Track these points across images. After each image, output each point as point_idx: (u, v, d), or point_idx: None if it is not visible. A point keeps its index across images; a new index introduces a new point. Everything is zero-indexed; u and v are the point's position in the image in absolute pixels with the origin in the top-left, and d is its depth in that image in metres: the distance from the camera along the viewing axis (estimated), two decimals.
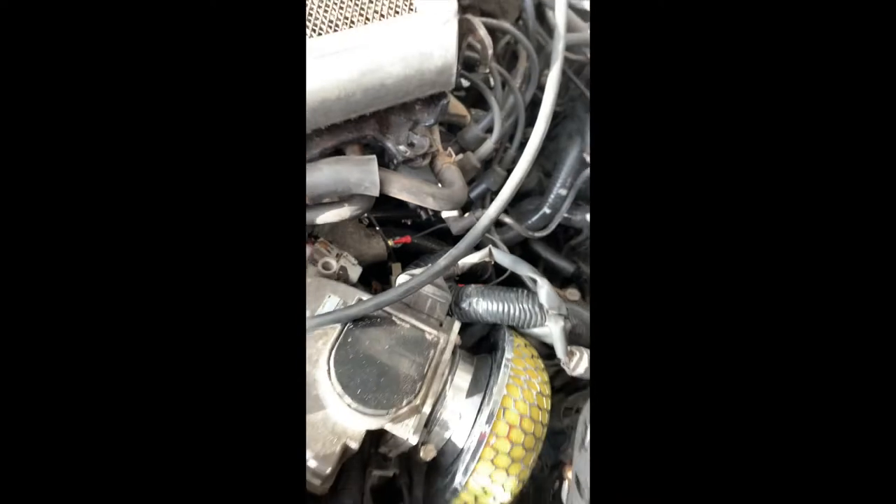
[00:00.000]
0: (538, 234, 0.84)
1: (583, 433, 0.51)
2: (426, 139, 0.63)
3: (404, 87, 0.56)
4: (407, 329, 0.55)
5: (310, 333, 0.52)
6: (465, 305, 0.62)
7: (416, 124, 0.64)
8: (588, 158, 0.82)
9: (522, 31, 0.80)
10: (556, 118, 0.92)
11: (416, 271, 0.60)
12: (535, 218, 0.87)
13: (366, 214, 0.70)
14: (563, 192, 0.85)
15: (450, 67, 0.56)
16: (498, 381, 0.53)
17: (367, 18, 0.52)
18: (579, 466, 0.49)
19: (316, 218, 0.60)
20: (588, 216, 0.88)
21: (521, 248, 0.92)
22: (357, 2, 0.53)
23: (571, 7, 0.85)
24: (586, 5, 0.89)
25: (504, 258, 0.64)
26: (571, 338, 0.59)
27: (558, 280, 0.92)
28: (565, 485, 0.56)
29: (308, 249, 0.65)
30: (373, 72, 0.53)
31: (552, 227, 0.85)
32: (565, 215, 0.87)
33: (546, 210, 0.86)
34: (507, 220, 0.81)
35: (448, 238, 0.77)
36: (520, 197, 0.92)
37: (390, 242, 0.78)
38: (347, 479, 0.56)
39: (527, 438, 0.52)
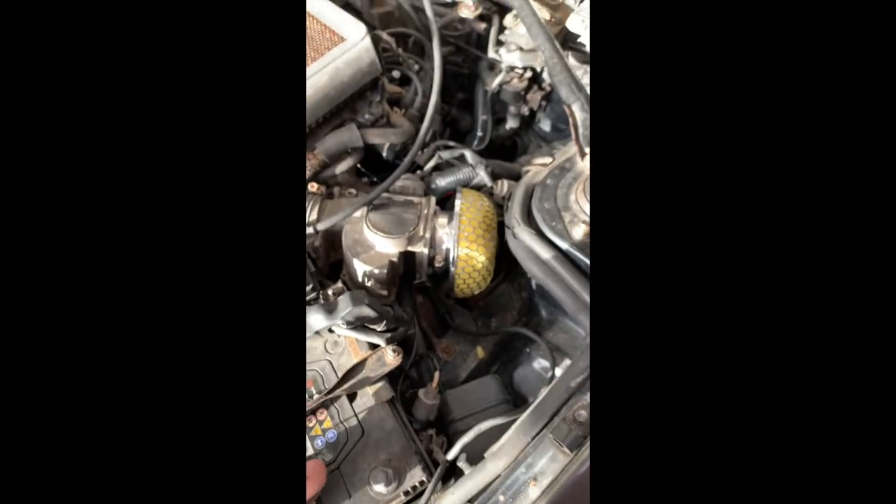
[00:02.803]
0: (479, 148, 1.28)
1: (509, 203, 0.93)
2: (379, 108, 1.08)
3: (354, 79, 1.01)
4: (402, 200, 0.98)
5: (357, 214, 0.95)
6: (433, 186, 1.05)
7: (371, 103, 1.09)
8: (488, 92, 1.27)
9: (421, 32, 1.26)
10: (470, 80, 1.37)
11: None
12: (475, 142, 1.32)
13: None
14: (485, 117, 1.30)
15: (374, 61, 1.02)
16: (457, 206, 0.96)
17: (322, 52, 0.99)
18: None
19: (336, 169, 1.05)
20: (507, 125, 1.31)
21: None
22: (314, 46, 1.00)
23: None
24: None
25: (446, 153, 1.08)
26: (494, 175, 1.02)
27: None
28: None
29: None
30: (334, 78, 0.99)
31: (486, 140, 1.29)
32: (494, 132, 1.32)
33: (479, 133, 1.31)
34: (466, 151, 1.22)
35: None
36: (464, 135, 1.37)
37: None
38: (403, 292, 0.99)
39: (482, 226, 0.94)
